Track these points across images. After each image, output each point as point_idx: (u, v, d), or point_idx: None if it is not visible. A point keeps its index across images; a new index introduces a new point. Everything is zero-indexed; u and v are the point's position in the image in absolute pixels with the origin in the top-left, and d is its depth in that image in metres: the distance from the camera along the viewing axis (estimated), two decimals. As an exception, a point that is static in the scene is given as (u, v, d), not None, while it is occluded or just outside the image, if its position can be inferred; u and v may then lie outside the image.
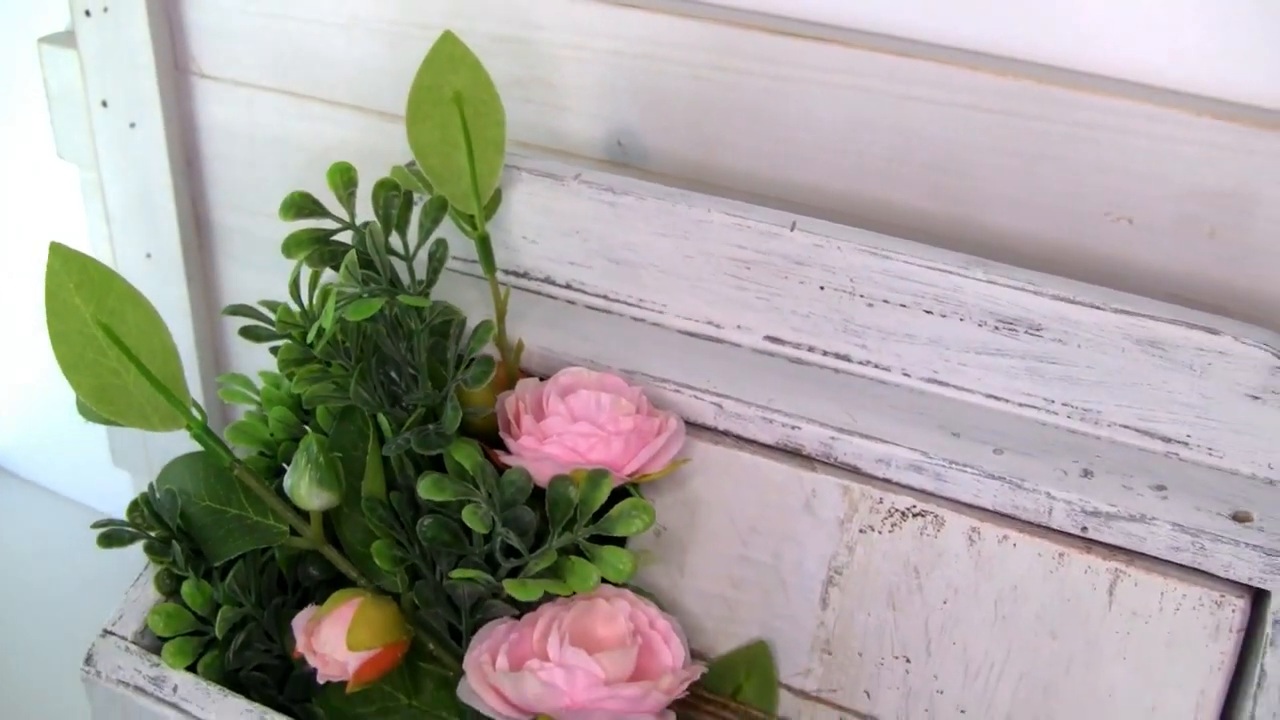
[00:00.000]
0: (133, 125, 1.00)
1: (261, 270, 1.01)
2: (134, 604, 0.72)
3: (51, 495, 1.35)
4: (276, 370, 0.73)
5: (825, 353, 0.74)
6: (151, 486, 0.70)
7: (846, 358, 0.74)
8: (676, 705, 0.70)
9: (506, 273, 0.80)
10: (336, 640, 0.65)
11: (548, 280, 0.80)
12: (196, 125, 1.01)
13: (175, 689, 0.69)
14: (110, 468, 1.21)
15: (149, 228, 1.03)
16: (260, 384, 0.76)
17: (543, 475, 0.67)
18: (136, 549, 0.72)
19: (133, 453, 1.18)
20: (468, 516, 0.64)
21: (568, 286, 0.79)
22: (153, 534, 0.69)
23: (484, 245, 0.74)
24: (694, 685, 0.71)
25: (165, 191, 1.01)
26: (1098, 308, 0.68)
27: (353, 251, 0.67)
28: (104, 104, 1.00)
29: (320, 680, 0.67)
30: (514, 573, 0.66)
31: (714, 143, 0.83)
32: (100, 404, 0.64)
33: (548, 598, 0.67)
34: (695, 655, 0.73)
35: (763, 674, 0.72)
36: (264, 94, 0.97)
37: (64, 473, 1.33)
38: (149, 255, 1.04)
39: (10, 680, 1.16)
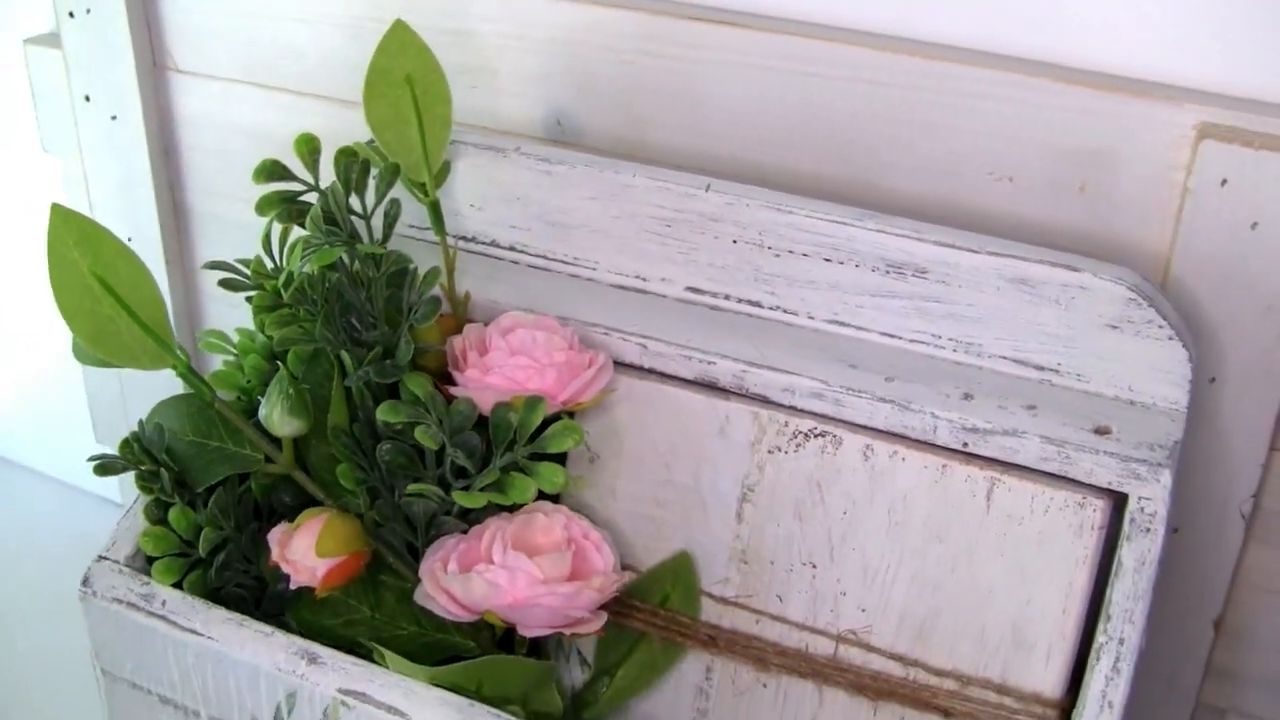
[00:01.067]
0: (114, 118, 1.08)
1: (234, 250, 1.09)
2: (126, 532, 0.81)
3: (37, 475, 1.43)
4: (250, 326, 0.83)
5: (739, 300, 0.84)
6: (141, 424, 0.79)
7: (758, 304, 0.83)
8: (613, 615, 0.79)
9: (455, 237, 0.89)
10: (306, 549, 0.74)
11: (493, 244, 0.89)
12: (174, 117, 1.09)
13: (164, 603, 0.78)
14: (94, 445, 1.30)
15: (130, 214, 1.12)
16: (236, 338, 0.84)
17: (486, 403, 0.76)
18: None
19: (115, 429, 1.26)
20: (420, 435, 0.73)
21: (511, 248, 0.89)
22: (142, 467, 0.78)
23: (435, 210, 0.83)
24: (626, 596, 0.80)
25: (145, 180, 1.10)
26: (974, 251, 0.78)
27: (317, 206, 0.76)
28: (87, 99, 1.09)
29: (292, 587, 0.76)
30: (462, 490, 0.75)
31: (641, 120, 0.92)
32: (96, 346, 0.73)
33: (492, 509, 0.76)
34: (626, 568, 0.81)
35: (686, 584, 0.80)
36: (236, 87, 1.06)
37: (49, 453, 1.41)
38: (130, 239, 1.13)
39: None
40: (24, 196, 1.23)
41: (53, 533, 1.34)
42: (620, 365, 0.81)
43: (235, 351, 0.83)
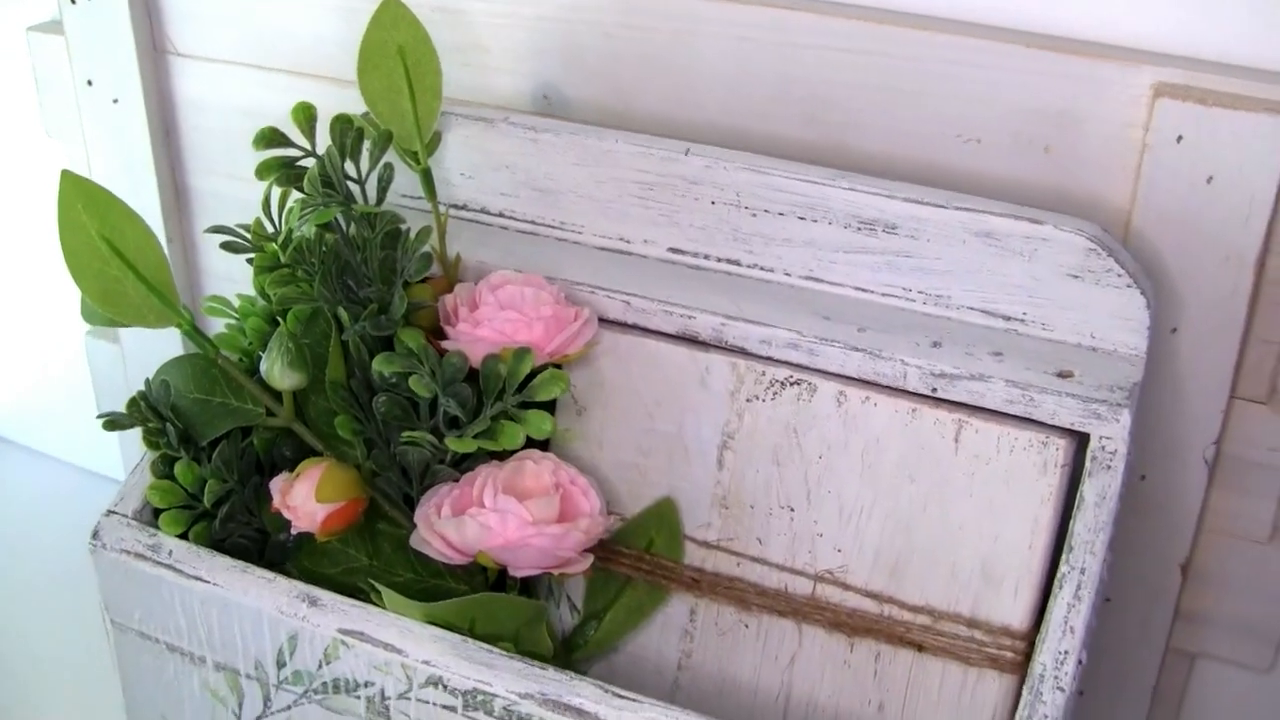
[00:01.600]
0: (115, 101, 1.12)
1: (234, 227, 1.13)
2: (133, 488, 0.84)
3: (42, 457, 1.47)
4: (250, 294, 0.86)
5: (719, 259, 0.87)
6: (147, 382, 0.83)
7: (736, 262, 0.87)
8: (600, 561, 0.83)
9: (446, 205, 0.92)
10: (307, 495, 0.78)
11: (483, 211, 0.93)
12: (173, 99, 1.13)
13: (170, 553, 0.81)
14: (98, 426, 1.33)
15: (132, 194, 1.15)
16: (237, 303, 0.88)
17: (476, 356, 0.79)
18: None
19: (119, 408, 1.29)
20: (414, 384, 0.77)
21: (500, 215, 0.92)
22: (149, 423, 0.82)
23: (426, 176, 0.87)
24: (612, 542, 0.84)
25: (146, 161, 1.13)
26: (941, 206, 0.81)
27: (314, 167, 0.80)
28: (89, 83, 1.13)
29: (293, 533, 0.79)
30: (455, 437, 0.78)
31: (625, 91, 0.95)
32: (105, 306, 0.76)
33: (483, 457, 0.80)
34: (612, 515, 0.85)
35: (670, 529, 0.84)
36: (233, 68, 1.09)
37: (54, 437, 1.44)
38: (132, 219, 1.16)
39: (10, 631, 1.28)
40: (28, 181, 1.26)
41: (58, 512, 1.37)
42: (605, 322, 0.84)
43: (236, 315, 0.87)
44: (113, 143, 1.14)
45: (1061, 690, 0.72)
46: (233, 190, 1.13)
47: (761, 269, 0.86)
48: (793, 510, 0.82)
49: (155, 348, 1.16)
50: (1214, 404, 0.87)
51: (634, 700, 0.72)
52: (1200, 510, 0.90)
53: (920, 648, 0.79)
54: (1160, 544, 0.92)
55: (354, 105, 0.87)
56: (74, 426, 1.38)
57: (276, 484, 0.80)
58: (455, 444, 0.77)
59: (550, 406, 0.81)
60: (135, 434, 0.83)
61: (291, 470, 0.81)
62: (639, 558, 0.84)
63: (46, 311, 1.33)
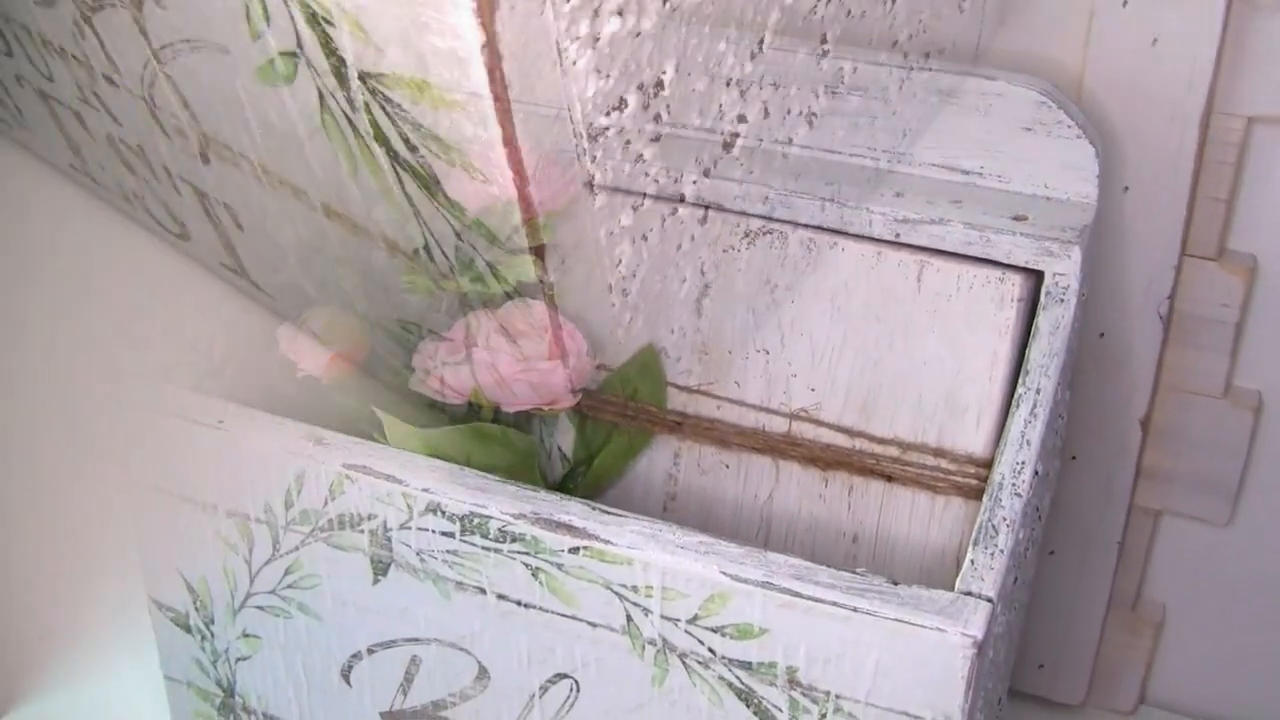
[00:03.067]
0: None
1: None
2: (147, 350, 0.90)
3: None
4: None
5: (696, 128, 0.92)
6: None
7: (712, 130, 0.92)
8: (588, 410, 0.88)
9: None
10: (312, 340, 0.83)
11: (472, 93, 0.98)
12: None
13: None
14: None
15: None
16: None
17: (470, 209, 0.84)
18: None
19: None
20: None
21: (488, 97, 0.97)
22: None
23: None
24: (599, 393, 0.89)
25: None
26: (904, 68, 0.87)
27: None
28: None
29: (299, 375, 0.85)
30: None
31: None
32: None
33: (475, 307, 0.85)
34: (599, 368, 0.90)
35: (653, 377, 0.89)
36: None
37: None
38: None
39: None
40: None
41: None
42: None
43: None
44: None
45: (1019, 496, 0.76)
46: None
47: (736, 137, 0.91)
48: (768, 353, 0.87)
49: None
50: (1166, 261, 0.92)
51: (620, 515, 0.77)
52: (1157, 366, 0.95)
53: (890, 478, 0.85)
54: (1121, 400, 0.97)
55: None
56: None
57: (283, 331, 0.85)
58: (449, 285, 0.82)
59: (536, 251, 0.86)
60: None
61: (297, 322, 0.86)
62: (624, 406, 0.89)
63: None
